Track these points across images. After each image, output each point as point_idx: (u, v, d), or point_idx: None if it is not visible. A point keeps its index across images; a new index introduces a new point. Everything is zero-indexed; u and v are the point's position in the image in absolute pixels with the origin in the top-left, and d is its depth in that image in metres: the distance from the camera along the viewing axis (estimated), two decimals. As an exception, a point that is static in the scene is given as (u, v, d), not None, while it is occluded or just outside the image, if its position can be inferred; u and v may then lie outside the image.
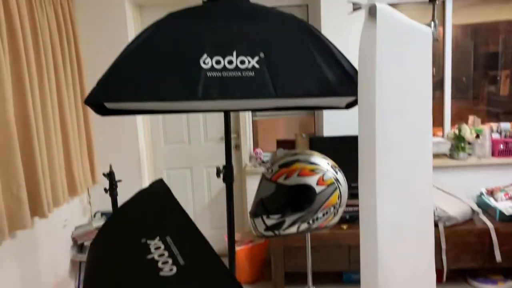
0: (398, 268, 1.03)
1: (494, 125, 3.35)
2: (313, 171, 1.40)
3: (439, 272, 2.82)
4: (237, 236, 3.38)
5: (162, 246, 1.09)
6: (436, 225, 2.79)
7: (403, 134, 1.07)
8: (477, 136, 3.26)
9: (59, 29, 2.81)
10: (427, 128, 1.35)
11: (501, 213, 2.86)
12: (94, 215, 3.35)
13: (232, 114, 3.48)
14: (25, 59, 2.37)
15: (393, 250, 0.99)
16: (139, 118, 3.39)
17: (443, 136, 3.49)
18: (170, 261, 1.03)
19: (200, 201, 3.71)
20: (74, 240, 3.08)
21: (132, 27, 3.29)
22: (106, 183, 2.48)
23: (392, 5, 3.38)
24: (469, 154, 3.28)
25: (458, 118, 3.53)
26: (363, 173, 0.90)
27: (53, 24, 2.73)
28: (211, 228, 3.69)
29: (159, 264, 1.02)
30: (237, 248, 3.13)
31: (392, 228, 1.01)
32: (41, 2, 2.61)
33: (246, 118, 3.51)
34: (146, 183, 3.46)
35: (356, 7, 0.84)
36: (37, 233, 2.66)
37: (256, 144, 3.68)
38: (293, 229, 1.44)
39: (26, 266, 2.54)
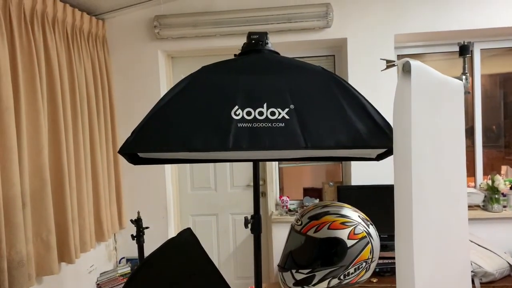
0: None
1: (529, 176, 3.24)
2: (344, 224, 1.37)
3: (477, 332, 2.65)
4: (263, 286, 3.29)
5: (190, 300, 1.07)
6: (472, 281, 2.65)
7: (439, 189, 1.05)
8: (512, 187, 3.16)
9: (95, 80, 2.94)
10: (462, 182, 1.31)
11: (542, 269, 2.71)
12: (120, 261, 3.34)
13: (259, 164, 3.49)
14: (61, 107, 2.47)
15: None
16: (168, 164, 3.44)
17: (475, 186, 3.38)
18: (198, 315, 1.01)
19: (225, 249, 3.65)
20: (99, 286, 3.06)
21: (164, 76, 3.41)
22: (132, 229, 2.49)
23: (419, 55, 3.41)
24: (504, 206, 3.16)
25: (490, 167, 3.43)
26: (400, 228, 0.87)
27: (89, 74, 2.86)
28: (236, 278, 3.61)
29: (187, 319, 1.00)
30: (262, 300, 3.03)
31: (430, 285, 0.97)
32: (79, 53, 2.75)
33: (272, 166, 3.51)
34: (172, 230, 3.45)
35: (390, 65, 0.85)
36: (63, 279, 2.66)
37: (282, 191, 3.66)
38: (323, 285, 1.39)
39: (50, 312, 2.52)
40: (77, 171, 2.62)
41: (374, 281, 2.78)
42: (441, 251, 1.10)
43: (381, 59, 0.90)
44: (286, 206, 3.44)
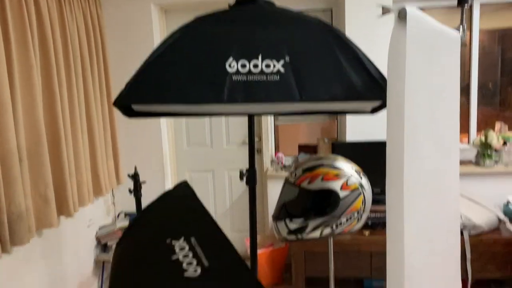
0: (424, 276, 1.02)
1: (522, 132, 3.27)
2: (337, 176, 1.40)
3: (463, 281, 2.76)
4: (258, 239, 3.38)
5: (187, 247, 1.10)
6: (461, 234, 2.73)
7: (431, 140, 1.06)
8: (504, 143, 3.19)
9: (88, 34, 2.88)
10: (455, 134, 1.33)
11: (529, 222, 2.79)
12: (118, 216, 3.41)
13: (254, 118, 3.50)
14: (55, 63, 2.43)
15: (420, 257, 0.98)
16: (163, 120, 3.44)
17: (468, 142, 3.42)
18: (194, 262, 1.04)
19: (222, 204, 3.72)
20: (98, 240, 3.13)
21: (157, 31, 3.35)
22: (130, 184, 2.53)
23: (420, 8, 3.34)
24: (496, 162, 3.20)
25: (485, 124, 3.45)
26: (390, 178, 0.89)
27: (82, 28, 2.80)
28: (232, 231, 3.70)
29: (184, 265, 1.03)
30: (258, 252, 3.13)
31: (419, 235, 1.00)
32: (71, 8, 2.68)
33: (268, 123, 3.52)
34: (169, 185, 3.50)
35: (386, 11, 0.83)
36: (63, 232, 2.72)
37: (277, 149, 3.69)
38: (316, 234, 1.43)
39: (51, 263, 2.60)
40: (73, 127, 2.61)
41: (366, 234, 2.85)
42: (432, 202, 1.12)
43: (377, 5, 0.89)
44: (282, 162, 3.47)
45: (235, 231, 3.70)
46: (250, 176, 1.75)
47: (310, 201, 1.43)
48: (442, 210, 1.25)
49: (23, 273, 2.34)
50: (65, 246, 2.75)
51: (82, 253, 2.96)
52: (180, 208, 1.32)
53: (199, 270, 1.01)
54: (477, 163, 3.25)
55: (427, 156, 1.06)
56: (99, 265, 3.16)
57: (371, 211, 2.87)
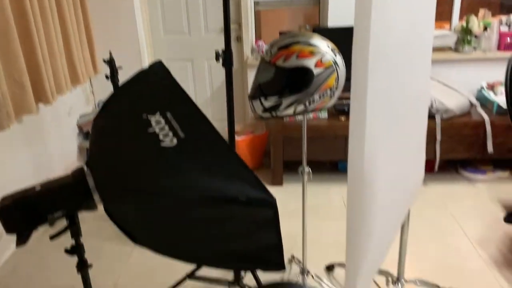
0: (386, 143, 1.08)
1: (504, 17, 3.23)
2: (312, 53, 1.39)
3: (431, 162, 2.94)
4: (238, 127, 3.47)
5: (163, 121, 1.13)
6: (433, 117, 2.84)
7: (403, 15, 1.05)
8: (485, 29, 3.17)
9: None
10: (429, 13, 1.31)
11: (498, 106, 2.89)
12: (98, 105, 3.41)
13: (233, 4, 3.37)
14: None
15: (381, 125, 1.03)
16: (137, 5, 3.28)
17: (450, 29, 3.38)
18: (170, 134, 1.08)
19: (202, 94, 3.73)
20: (80, 128, 3.17)
21: None
22: (107, 71, 2.48)
23: None
24: (474, 48, 3.21)
25: (470, 12, 3.39)
26: (356, 51, 0.90)
27: None
28: (213, 120, 3.77)
29: (160, 137, 1.07)
30: (239, 138, 3.23)
31: (382, 104, 1.04)
32: None
33: (248, 8, 3.39)
34: (147, 74, 3.46)
35: None
36: (44, 120, 2.74)
37: (259, 37, 3.60)
38: (290, 111, 1.47)
39: (36, 150, 2.66)
40: (41, 9, 2.48)
41: (342, 119, 2.95)
42: (398, 74, 1.15)
43: None
44: (262, 50, 3.42)
45: (216, 120, 3.76)
46: (227, 58, 1.74)
47: (285, 79, 1.45)
48: (410, 86, 1.28)
49: (6, 159, 2.40)
50: (48, 133, 2.79)
51: (65, 140, 3.02)
52: (155, 85, 1.33)
53: (175, 141, 1.05)
54: (456, 49, 3.26)
55: (396, 32, 1.06)
56: (83, 151, 3.24)
57: (348, 98, 2.93)
